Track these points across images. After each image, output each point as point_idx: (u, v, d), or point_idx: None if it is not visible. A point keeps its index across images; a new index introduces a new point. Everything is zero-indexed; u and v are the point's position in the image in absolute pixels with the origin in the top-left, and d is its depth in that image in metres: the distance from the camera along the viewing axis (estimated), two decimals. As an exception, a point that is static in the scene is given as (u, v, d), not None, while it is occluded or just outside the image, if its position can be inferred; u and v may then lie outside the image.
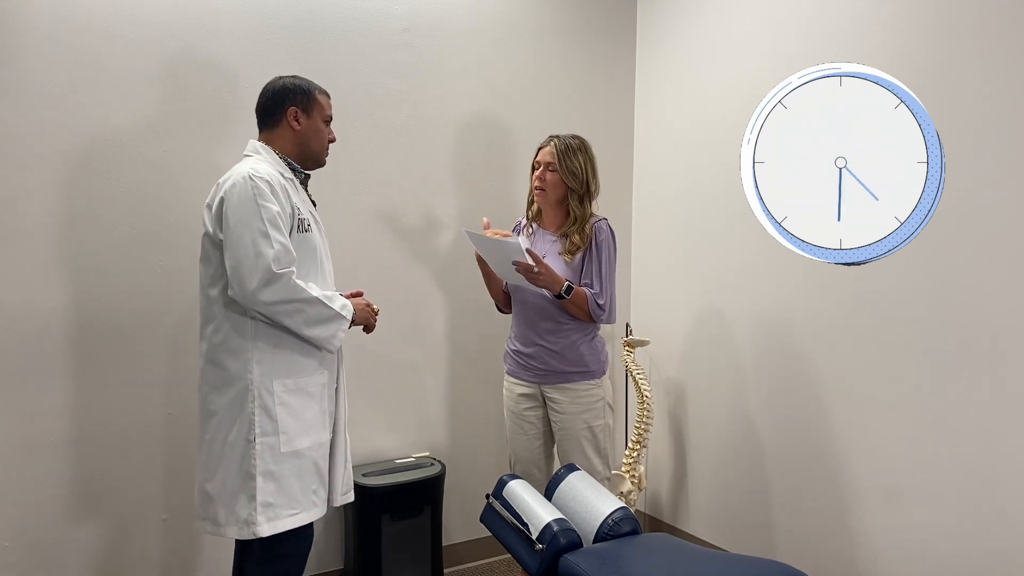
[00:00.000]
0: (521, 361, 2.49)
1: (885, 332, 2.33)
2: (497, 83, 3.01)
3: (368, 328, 2.13)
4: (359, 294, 2.15)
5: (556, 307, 2.38)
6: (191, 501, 2.41)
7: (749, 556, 2.03)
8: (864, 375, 2.40)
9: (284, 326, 1.88)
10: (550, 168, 2.37)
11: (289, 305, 1.85)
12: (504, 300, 2.58)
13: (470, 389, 3.03)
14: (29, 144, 2.21)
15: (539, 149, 2.43)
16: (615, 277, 2.44)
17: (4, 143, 2.18)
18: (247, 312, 1.87)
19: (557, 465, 2.39)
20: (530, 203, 2.52)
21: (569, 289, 2.30)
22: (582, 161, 2.37)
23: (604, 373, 2.47)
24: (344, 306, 1.98)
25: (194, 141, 2.43)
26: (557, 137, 2.40)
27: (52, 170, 2.24)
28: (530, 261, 2.22)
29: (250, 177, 1.84)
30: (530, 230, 2.52)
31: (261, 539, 1.89)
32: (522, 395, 2.50)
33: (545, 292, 2.33)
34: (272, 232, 1.82)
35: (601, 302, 2.37)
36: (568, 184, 2.36)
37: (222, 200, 1.85)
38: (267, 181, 1.86)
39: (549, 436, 2.54)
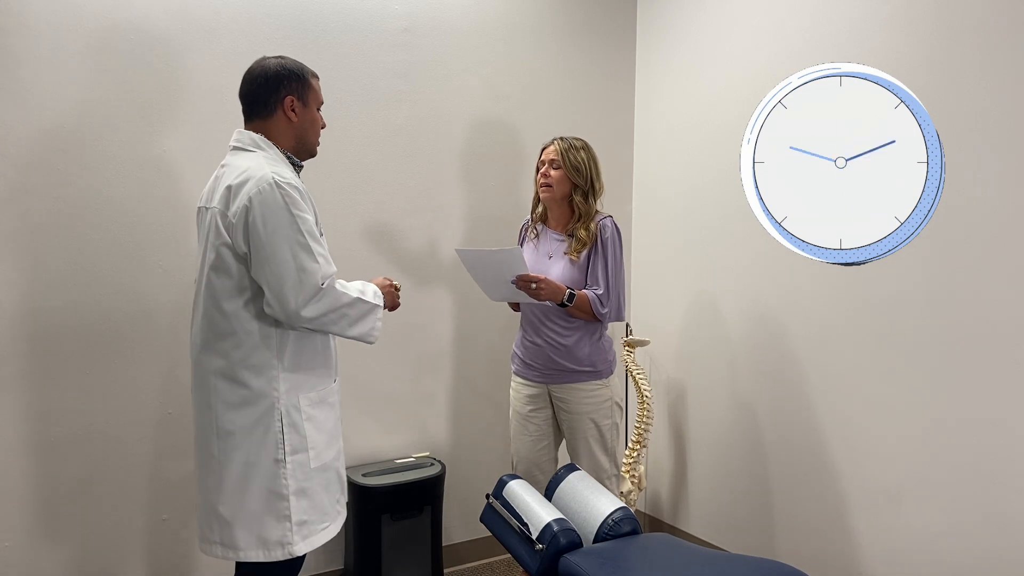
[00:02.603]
0: (528, 361, 2.49)
1: (885, 332, 2.33)
2: (497, 83, 3.01)
3: (393, 307, 2.06)
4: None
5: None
6: (191, 501, 2.42)
7: (749, 556, 2.03)
8: (864, 375, 2.40)
9: (327, 332, 1.83)
10: (554, 165, 2.40)
11: (334, 314, 1.78)
12: None
13: (470, 389, 3.03)
14: (29, 144, 2.21)
15: (543, 149, 2.47)
16: (622, 274, 2.44)
17: (4, 143, 2.18)
18: (278, 326, 1.78)
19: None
20: (535, 204, 2.54)
21: (571, 297, 2.32)
22: (585, 158, 2.41)
23: (612, 372, 2.48)
24: (376, 294, 1.92)
25: (194, 140, 2.43)
26: (560, 138, 2.44)
27: (52, 170, 2.24)
28: (528, 271, 2.25)
29: (277, 184, 1.70)
30: (535, 231, 2.53)
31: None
32: (528, 396, 2.51)
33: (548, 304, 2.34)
34: (313, 245, 1.72)
35: (604, 301, 2.37)
36: (572, 180, 2.39)
37: (246, 208, 1.70)
38: (295, 187, 1.74)
39: (553, 438, 2.55)
